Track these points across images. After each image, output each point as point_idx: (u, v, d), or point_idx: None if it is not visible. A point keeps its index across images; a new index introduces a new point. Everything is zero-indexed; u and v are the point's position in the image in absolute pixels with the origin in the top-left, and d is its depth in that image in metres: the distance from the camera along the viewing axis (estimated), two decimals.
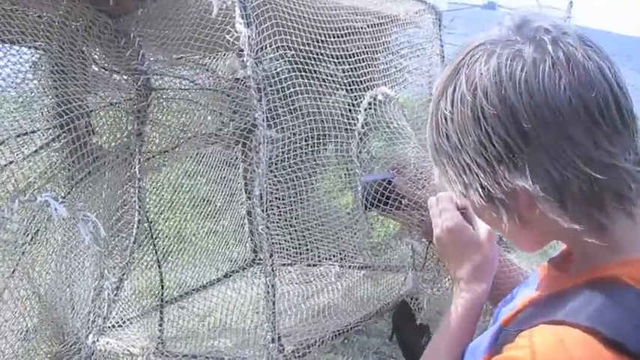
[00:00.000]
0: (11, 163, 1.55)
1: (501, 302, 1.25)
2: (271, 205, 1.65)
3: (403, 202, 1.69)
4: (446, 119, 0.99)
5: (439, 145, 1.02)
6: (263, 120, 1.57)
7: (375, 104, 1.97)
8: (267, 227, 1.61)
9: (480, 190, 0.98)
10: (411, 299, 1.93)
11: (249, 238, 2.89)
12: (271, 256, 1.62)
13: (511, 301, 1.19)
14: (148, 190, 2.28)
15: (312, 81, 1.88)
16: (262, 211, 1.59)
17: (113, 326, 2.11)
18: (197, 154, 2.66)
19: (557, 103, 0.90)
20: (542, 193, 0.93)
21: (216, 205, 2.84)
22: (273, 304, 1.65)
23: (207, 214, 2.84)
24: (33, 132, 1.55)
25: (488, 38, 0.98)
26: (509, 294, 1.25)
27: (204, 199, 2.83)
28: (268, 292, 1.64)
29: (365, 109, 1.97)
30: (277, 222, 1.98)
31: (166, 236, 2.70)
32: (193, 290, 2.65)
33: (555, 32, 0.94)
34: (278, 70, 1.92)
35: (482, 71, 0.94)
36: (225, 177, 2.79)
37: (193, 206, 2.81)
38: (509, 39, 0.96)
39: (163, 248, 2.61)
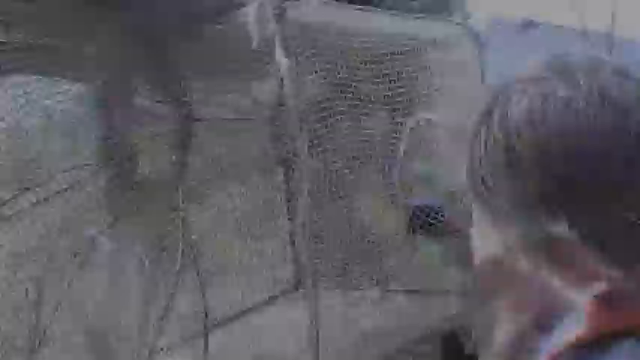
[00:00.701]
0: (57, 193, 1.58)
1: (542, 338, 1.22)
2: (313, 234, 1.65)
3: (449, 229, 1.67)
4: (480, 161, 0.97)
5: (473, 186, 1.00)
6: (304, 149, 1.58)
7: (417, 129, 1.96)
8: (310, 257, 1.61)
9: (515, 234, 0.96)
10: (460, 328, 1.90)
11: (292, 262, 2.88)
12: (314, 285, 1.62)
13: (552, 336, 1.16)
14: (192, 211, 2.29)
15: (352, 108, 1.88)
16: (305, 240, 1.59)
17: (158, 353, 2.13)
18: (240, 177, 2.66)
19: (591, 144, 0.86)
20: (580, 239, 0.89)
21: (259, 227, 2.84)
22: (317, 332, 1.65)
23: (251, 236, 2.85)
24: (81, 166, 1.58)
25: (521, 75, 0.95)
26: (550, 325, 1.22)
27: (249, 221, 2.83)
28: (311, 322, 1.63)
29: (407, 135, 1.96)
30: (320, 248, 1.98)
31: (211, 256, 2.70)
32: (235, 315, 2.65)
33: (589, 67, 0.90)
34: (319, 98, 1.92)
35: (514, 112, 0.91)
36: (267, 200, 2.80)
37: (237, 228, 2.81)
38: (541, 76, 0.92)
39: (208, 270, 2.61)
